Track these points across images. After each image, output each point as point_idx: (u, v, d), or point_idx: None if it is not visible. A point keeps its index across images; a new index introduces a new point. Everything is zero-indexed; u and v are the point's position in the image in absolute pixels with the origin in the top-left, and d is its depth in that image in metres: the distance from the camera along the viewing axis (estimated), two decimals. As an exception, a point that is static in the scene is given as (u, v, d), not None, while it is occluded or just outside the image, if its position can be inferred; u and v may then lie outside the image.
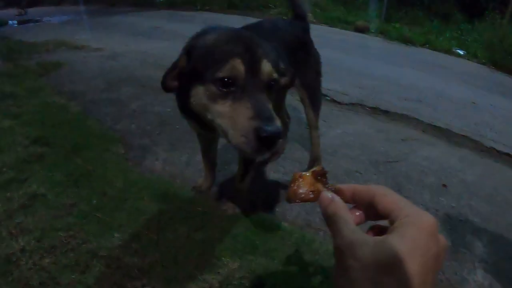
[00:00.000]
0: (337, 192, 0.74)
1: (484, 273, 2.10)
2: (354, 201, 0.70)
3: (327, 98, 3.91)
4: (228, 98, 1.23)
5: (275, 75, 1.31)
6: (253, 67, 1.25)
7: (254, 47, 1.28)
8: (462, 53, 7.30)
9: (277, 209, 2.27)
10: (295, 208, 2.28)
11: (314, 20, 8.03)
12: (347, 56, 5.48)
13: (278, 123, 1.15)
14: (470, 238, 2.30)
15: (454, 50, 7.30)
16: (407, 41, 7.34)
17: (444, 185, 2.75)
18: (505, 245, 2.24)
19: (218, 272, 1.76)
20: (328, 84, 3.97)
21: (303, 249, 2.00)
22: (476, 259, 2.16)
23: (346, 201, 0.71)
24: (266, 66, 1.28)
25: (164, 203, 2.16)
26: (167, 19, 7.98)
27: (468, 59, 6.83)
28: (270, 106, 1.23)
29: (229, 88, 1.23)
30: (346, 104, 3.85)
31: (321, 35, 6.52)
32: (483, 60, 6.69)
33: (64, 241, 1.82)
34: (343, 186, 0.72)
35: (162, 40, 5.74)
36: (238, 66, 1.23)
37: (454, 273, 2.06)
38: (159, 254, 1.81)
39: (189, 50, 1.37)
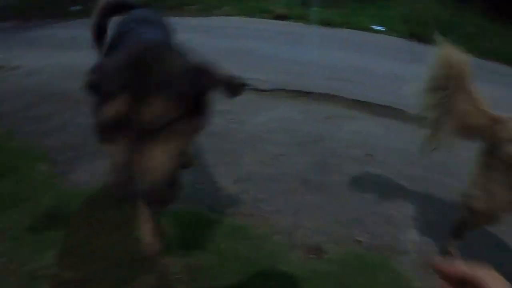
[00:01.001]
0: None
1: (417, 231, 2.27)
2: None
3: (248, 87, 3.95)
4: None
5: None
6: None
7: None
8: (382, 29, 7.64)
9: (205, 201, 2.32)
10: (223, 198, 2.31)
11: (231, 12, 8.09)
12: (268, 44, 5.60)
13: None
14: (401, 201, 2.45)
15: (373, 27, 7.63)
16: (327, 24, 7.59)
17: (369, 155, 2.87)
18: (434, 203, 2.40)
19: (155, 271, 1.84)
20: (248, 73, 4.04)
21: (236, 235, 2.08)
22: (409, 219, 2.33)
23: None
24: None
25: (94, 213, 2.17)
26: (83, 28, 7.73)
27: (388, 35, 7.15)
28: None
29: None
30: (268, 90, 3.93)
31: (241, 26, 6.62)
32: (402, 34, 7.05)
33: (2, 268, 1.83)
34: None
35: (79, 50, 5.56)
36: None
37: (390, 237, 2.21)
38: (95, 263, 1.86)
39: None
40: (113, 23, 1.91)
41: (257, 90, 3.97)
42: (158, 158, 1.04)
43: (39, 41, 6.22)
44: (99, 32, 1.96)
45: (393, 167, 2.80)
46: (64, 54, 5.28)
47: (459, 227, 2.05)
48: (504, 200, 1.80)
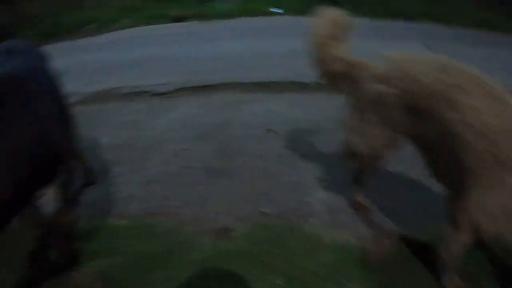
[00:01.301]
0: None
1: (324, 191, 2.40)
2: None
3: (147, 93, 3.98)
4: None
5: None
6: None
7: None
8: (280, 11, 7.86)
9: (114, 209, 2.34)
10: (132, 204, 2.36)
11: (130, 24, 8.00)
12: (166, 48, 5.63)
13: None
14: (305, 168, 2.62)
15: (272, 10, 7.83)
16: (226, 16, 7.71)
17: (271, 130, 2.97)
18: (333, 160, 2.49)
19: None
20: (148, 80, 4.07)
21: (147, 234, 2.12)
22: (315, 182, 2.45)
23: None
24: None
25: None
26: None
27: (287, 15, 7.37)
28: None
29: None
30: (169, 92, 3.95)
31: (139, 36, 6.59)
32: (300, 12, 7.29)
33: None
34: None
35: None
36: None
37: (297, 202, 2.32)
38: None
39: None
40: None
41: (157, 94, 3.98)
42: None
43: None
44: None
45: (294, 137, 2.93)
46: None
47: (355, 175, 2.17)
48: (380, 138, 1.90)
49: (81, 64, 5.07)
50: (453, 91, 1.55)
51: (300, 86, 3.87)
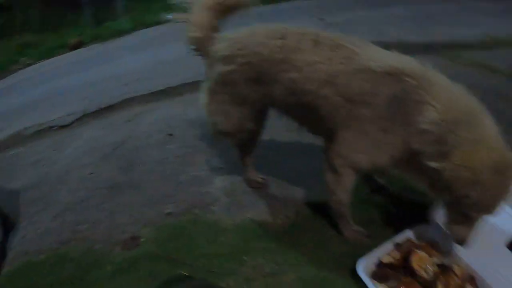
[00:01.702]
0: None
1: (221, 178, 2.56)
2: None
3: (53, 128, 3.99)
4: None
5: None
6: None
7: None
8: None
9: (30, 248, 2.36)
10: (45, 237, 2.41)
11: (30, 61, 7.81)
12: (67, 79, 5.60)
13: None
14: (202, 161, 2.77)
15: (167, 17, 7.89)
16: (123, 33, 7.72)
17: (170, 134, 3.10)
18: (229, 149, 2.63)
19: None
20: (51, 115, 4.11)
21: (60, 264, 2.20)
22: (213, 172, 2.63)
23: None
24: None
25: None
26: None
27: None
28: None
29: None
30: (72, 122, 3.97)
31: (38, 73, 6.46)
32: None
33: None
34: None
35: None
36: None
37: (198, 194, 2.46)
38: None
39: None
40: None
41: (62, 127, 4.00)
42: None
43: None
44: None
45: (192, 136, 3.07)
46: None
47: (237, 151, 2.37)
48: (240, 114, 2.05)
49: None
50: (291, 53, 1.73)
51: (195, 87, 3.99)
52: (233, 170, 2.56)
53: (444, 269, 1.68)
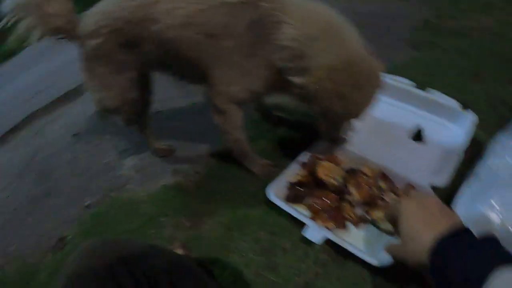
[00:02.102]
0: None
1: (131, 158, 2.66)
2: None
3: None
4: None
5: None
6: None
7: None
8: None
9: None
10: None
11: None
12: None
13: None
14: (111, 148, 2.83)
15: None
16: (19, 49, 7.37)
17: (76, 134, 3.11)
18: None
19: None
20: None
21: None
22: (122, 156, 2.70)
23: None
24: None
25: None
26: None
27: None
28: None
29: None
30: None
31: None
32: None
33: None
34: None
35: None
36: None
37: (113, 179, 2.53)
38: None
39: None
40: None
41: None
42: None
43: None
44: None
45: (94, 130, 3.08)
46: None
47: (133, 126, 2.45)
48: (121, 84, 2.10)
49: None
50: (150, 8, 1.78)
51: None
52: (140, 147, 2.64)
53: (352, 172, 1.76)
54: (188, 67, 1.94)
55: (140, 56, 1.98)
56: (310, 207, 1.78)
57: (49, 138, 3.37)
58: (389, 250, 1.25)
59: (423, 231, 1.07)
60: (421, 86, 2.19)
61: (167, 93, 2.43)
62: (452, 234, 1.00)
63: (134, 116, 2.33)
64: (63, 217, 2.42)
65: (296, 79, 1.67)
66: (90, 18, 1.96)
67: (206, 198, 2.13)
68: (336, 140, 1.82)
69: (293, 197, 1.76)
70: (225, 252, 1.82)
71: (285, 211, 1.79)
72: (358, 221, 1.73)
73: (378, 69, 1.59)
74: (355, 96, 1.55)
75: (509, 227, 1.49)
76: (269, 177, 1.93)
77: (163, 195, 2.24)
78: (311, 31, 1.54)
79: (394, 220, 1.24)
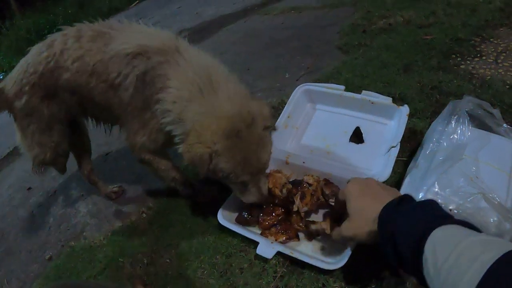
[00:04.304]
0: None
1: (84, 204, 2.62)
2: None
3: None
4: None
5: None
6: None
7: None
8: None
9: None
10: None
11: None
12: None
13: None
14: (66, 198, 2.76)
15: None
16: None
17: (29, 188, 3.03)
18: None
19: None
20: None
21: None
22: (75, 203, 2.65)
23: None
24: None
25: None
26: None
27: None
28: None
29: None
30: None
31: None
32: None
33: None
34: None
35: None
36: None
37: (69, 228, 2.48)
38: None
39: None
40: None
41: None
42: None
43: None
44: None
45: (46, 181, 3.01)
46: None
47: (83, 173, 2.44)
48: (50, 140, 2.09)
49: None
50: (60, 57, 1.82)
51: None
52: (92, 192, 2.62)
53: (296, 183, 1.74)
54: (106, 113, 1.94)
55: (62, 105, 1.98)
56: (260, 224, 1.78)
57: (3, 196, 3.27)
58: (340, 230, 1.34)
59: (370, 204, 1.19)
60: (356, 88, 2.23)
61: (113, 134, 2.38)
62: (395, 201, 1.10)
63: (62, 161, 2.30)
64: (26, 274, 2.36)
65: (180, 148, 1.59)
66: (13, 79, 1.96)
67: (161, 232, 2.11)
68: (259, 199, 1.69)
69: (244, 220, 1.76)
70: (185, 282, 1.80)
71: (237, 232, 1.77)
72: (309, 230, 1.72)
73: (260, 112, 1.53)
74: (236, 149, 1.47)
75: (449, 207, 1.52)
76: (217, 201, 1.92)
77: (119, 236, 2.21)
78: (189, 91, 1.52)
79: (343, 207, 1.33)
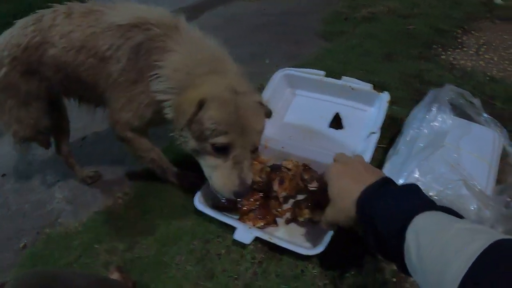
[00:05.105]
0: None
1: (60, 190, 2.53)
2: None
3: None
4: None
5: None
6: None
7: None
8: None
9: None
10: None
11: None
12: None
13: None
14: (39, 186, 2.68)
15: None
16: None
17: (3, 175, 2.93)
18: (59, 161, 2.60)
19: None
20: None
21: None
22: (51, 190, 2.56)
23: None
24: None
25: None
26: None
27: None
28: None
29: None
30: None
31: None
32: None
33: None
34: None
35: None
36: None
37: (45, 215, 2.40)
38: None
39: None
40: None
41: None
42: None
43: None
44: None
45: (21, 167, 2.93)
46: None
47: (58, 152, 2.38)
48: (30, 116, 2.03)
49: None
50: (47, 32, 1.76)
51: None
52: (68, 178, 2.54)
53: (275, 168, 1.71)
54: (91, 92, 1.89)
55: (43, 83, 1.92)
56: (238, 210, 1.75)
57: (-22, 183, 3.16)
58: (324, 216, 1.31)
59: (351, 186, 1.13)
60: (337, 75, 2.22)
61: (89, 118, 2.32)
62: (376, 184, 1.05)
63: (46, 139, 2.27)
64: (0, 263, 2.26)
65: (168, 115, 1.57)
66: None
67: (138, 218, 2.06)
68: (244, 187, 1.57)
69: (221, 205, 1.73)
70: (163, 268, 1.77)
71: (215, 217, 1.75)
72: (287, 215, 1.70)
73: (255, 99, 1.52)
74: (232, 105, 1.44)
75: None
76: (195, 187, 1.89)
77: (95, 222, 2.15)
78: (193, 63, 1.50)
79: (325, 189, 1.27)
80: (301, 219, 1.61)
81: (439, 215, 0.84)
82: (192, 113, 1.39)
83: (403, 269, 0.87)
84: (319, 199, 1.50)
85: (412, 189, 0.97)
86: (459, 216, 0.85)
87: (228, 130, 1.41)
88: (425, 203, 0.90)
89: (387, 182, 1.09)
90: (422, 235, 0.77)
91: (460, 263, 0.64)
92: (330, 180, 1.24)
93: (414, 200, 0.91)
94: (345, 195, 1.15)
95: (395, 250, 0.85)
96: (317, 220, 1.57)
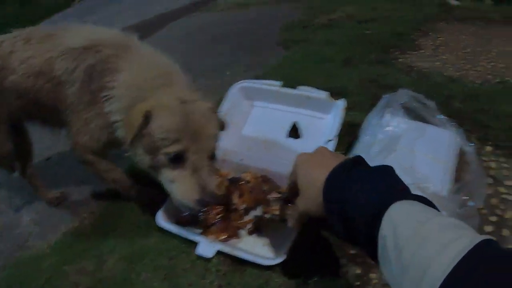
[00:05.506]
0: None
1: (27, 213, 2.51)
2: None
3: None
4: None
5: None
6: None
7: None
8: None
9: None
10: None
11: None
12: None
13: None
14: (5, 205, 2.66)
15: None
16: None
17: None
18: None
19: None
20: None
21: None
22: (18, 214, 2.54)
23: None
24: None
25: None
26: None
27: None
28: None
29: None
30: None
31: None
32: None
33: None
34: None
35: None
36: None
37: (14, 238, 2.38)
38: None
39: None
40: None
41: None
42: None
43: None
44: None
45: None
46: None
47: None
48: None
49: None
50: (7, 59, 1.79)
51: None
52: (35, 200, 2.54)
53: (234, 181, 1.74)
54: (52, 116, 1.90)
55: (4, 108, 1.93)
56: (200, 224, 1.77)
57: None
58: (294, 209, 1.30)
59: (318, 171, 1.04)
60: (296, 82, 2.26)
61: (53, 138, 2.33)
62: (345, 164, 0.98)
63: (11, 164, 2.27)
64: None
65: (120, 134, 1.58)
66: None
67: (104, 237, 2.07)
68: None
69: (184, 220, 1.75)
70: (130, 286, 1.78)
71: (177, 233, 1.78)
72: (249, 227, 1.74)
73: (205, 106, 1.52)
74: (182, 112, 1.44)
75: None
76: (156, 204, 1.92)
77: (63, 244, 2.15)
78: (141, 81, 1.52)
79: (295, 182, 1.20)
80: (268, 216, 1.61)
81: (418, 205, 0.76)
82: (138, 126, 1.37)
83: (373, 256, 0.80)
84: (290, 197, 1.50)
85: (388, 172, 0.88)
86: (435, 207, 0.80)
87: (179, 137, 1.39)
88: (402, 190, 0.82)
89: (358, 162, 0.96)
90: (401, 226, 0.70)
91: (444, 261, 0.62)
92: (297, 169, 1.18)
93: (390, 185, 0.82)
94: (311, 183, 1.05)
95: (367, 237, 0.78)
96: (286, 217, 1.53)
